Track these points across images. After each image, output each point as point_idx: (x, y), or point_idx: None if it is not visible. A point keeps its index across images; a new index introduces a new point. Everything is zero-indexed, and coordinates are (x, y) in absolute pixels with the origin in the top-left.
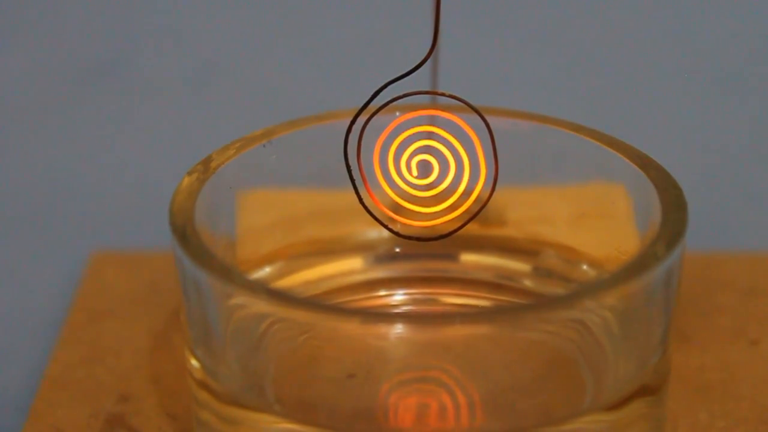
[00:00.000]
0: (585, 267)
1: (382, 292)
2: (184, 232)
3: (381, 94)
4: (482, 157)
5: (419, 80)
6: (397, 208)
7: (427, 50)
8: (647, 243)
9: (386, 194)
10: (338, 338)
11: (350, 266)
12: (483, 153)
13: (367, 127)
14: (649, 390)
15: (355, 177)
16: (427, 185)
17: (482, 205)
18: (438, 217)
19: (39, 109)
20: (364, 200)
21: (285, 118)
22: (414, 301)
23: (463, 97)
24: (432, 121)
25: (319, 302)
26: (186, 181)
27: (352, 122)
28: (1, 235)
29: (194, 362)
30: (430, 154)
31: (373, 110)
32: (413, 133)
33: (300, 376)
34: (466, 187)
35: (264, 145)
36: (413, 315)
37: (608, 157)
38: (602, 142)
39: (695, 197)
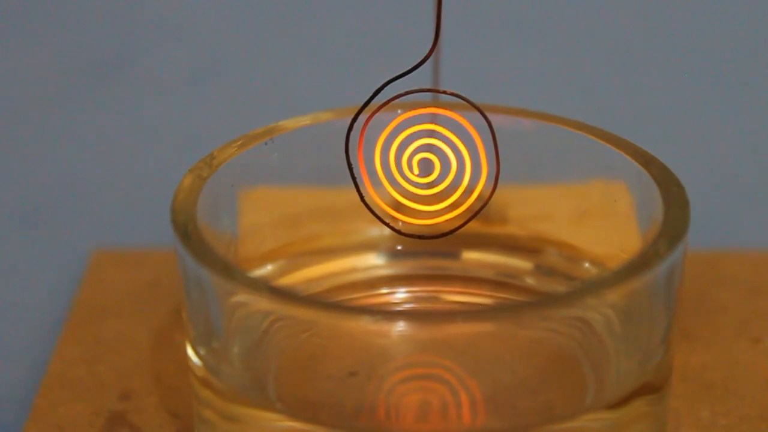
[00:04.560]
0: (587, 265)
1: (384, 290)
2: (185, 230)
3: (383, 91)
4: (484, 154)
5: (421, 78)
6: (399, 206)
7: (429, 48)
8: (649, 241)
9: (388, 192)
10: (340, 336)
11: (352, 264)
12: (484, 151)
13: (369, 124)
14: (652, 388)
15: (356, 175)
16: (429, 183)
17: (484, 203)
18: (439, 215)
19: (41, 107)
20: (366, 198)
21: (287, 116)
22: (416, 299)
23: (464, 95)
24: (433, 119)
25: (320, 300)
26: (188, 178)
27: (354, 120)
28: (2, 232)
29: (196, 360)
30: (432, 152)
31: (375, 108)
32: (415, 131)
33: (302, 374)
34: (468, 185)
35: (266, 143)
36: (415, 313)
37: (610, 154)
38: (604, 140)
39: (697, 195)
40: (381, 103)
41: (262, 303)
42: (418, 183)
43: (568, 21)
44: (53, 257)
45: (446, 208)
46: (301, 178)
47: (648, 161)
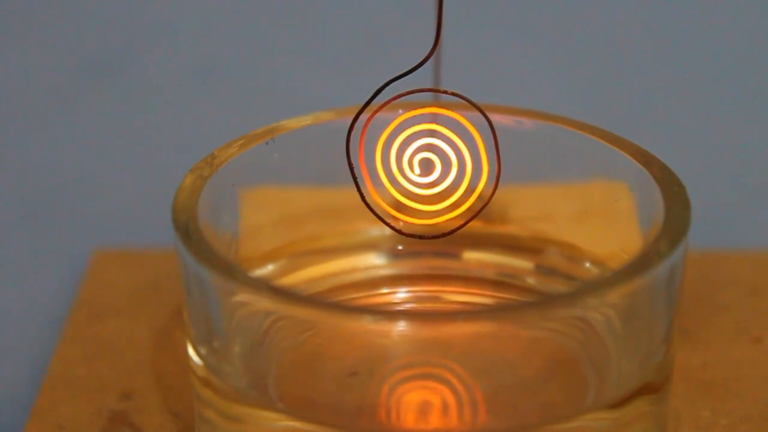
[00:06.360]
0: (588, 265)
1: (385, 290)
2: (186, 230)
3: (383, 91)
4: (485, 154)
5: (422, 78)
6: (400, 206)
7: (430, 48)
8: (650, 241)
9: (389, 192)
10: (341, 336)
11: (353, 264)
12: (485, 150)
13: (370, 124)
14: (652, 388)
15: (357, 175)
16: (430, 183)
17: (485, 203)
18: (440, 215)
19: (42, 107)
20: (367, 198)
21: (288, 116)
22: (417, 299)
23: (465, 95)
24: (434, 118)
25: (321, 300)
26: (189, 178)
27: (355, 120)
28: (3, 232)
29: (197, 360)
30: (433, 152)
31: (376, 108)
32: (416, 131)
33: (302, 374)
34: (469, 184)
35: (266, 143)
36: (416, 313)
37: (611, 154)
38: (605, 140)
39: (698, 195)
40: (382, 102)
41: (263, 303)
42: (419, 183)
43: (569, 21)
44: (53, 257)
45: (447, 207)
46: (302, 178)
47: (649, 161)
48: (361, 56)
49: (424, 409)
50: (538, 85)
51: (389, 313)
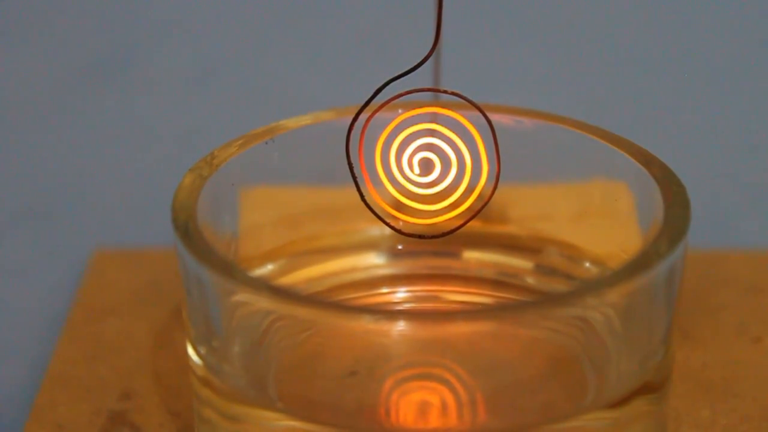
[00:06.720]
0: (587, 264)
1: (385, 290)
2: (186, 229)
3: (383, 91)
4: (484, 154)
5: (421, 78)
6: (399, 206)
7: (429, 47)
8: (650, 240)
9: (388, 192)
10: (340, 335)
11: (352, 263)
12: (485, 150)
13: (369, 124)
14: (652, 387)
15: (357, 174)
16: (429, 183)
17: (484, 203)
18: (440, 214)
19: (42, 106)
20: (366, 198)
21: (287, 115)
22: (416, 299)
23: (465, 95)
24: (434, 118)
25: (321, 299)
26: (188, 178)
27: (354, 119)
28: (3, 232)
29: (196, 359)
30: (432, 152)
31: (376, 107)
32: (415, 131)
33: (302, 374)
34: (468, 184)
35: (266, 142)
36: (415, 312)
37: (611, 154)
38: (605, 140)
39: (698, 194)
40: (381, 102)
41: (263, 302)
42: (418, 182)
43: (569, 21)
44: (53, 257)
45: (447, 207)
46: (302, 178)
47: (649, 161)
48: (361, 56)
49: (423, 408)
50: (538, 85)
51: (389, 313)
